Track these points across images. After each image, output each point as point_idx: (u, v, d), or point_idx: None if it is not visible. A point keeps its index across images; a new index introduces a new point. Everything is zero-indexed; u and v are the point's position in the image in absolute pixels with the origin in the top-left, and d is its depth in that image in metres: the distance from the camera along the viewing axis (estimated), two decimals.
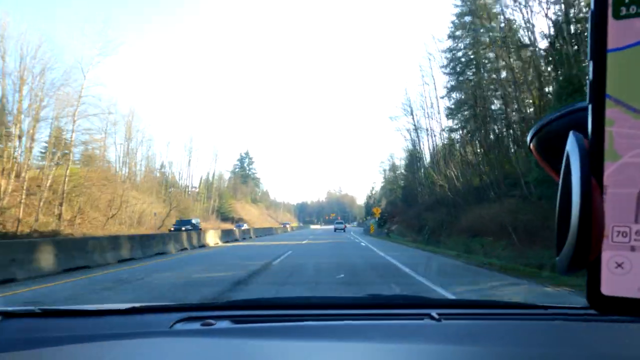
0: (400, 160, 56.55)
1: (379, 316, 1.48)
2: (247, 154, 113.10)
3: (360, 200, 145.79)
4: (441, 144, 42.71)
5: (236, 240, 25.65)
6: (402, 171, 54.75)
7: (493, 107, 34.72)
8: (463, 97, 39.66)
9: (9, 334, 1.28)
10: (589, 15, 0.33)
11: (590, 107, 0.33)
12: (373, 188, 65.64)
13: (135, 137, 57.73)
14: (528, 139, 0.45)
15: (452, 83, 40.62)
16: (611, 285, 0.31)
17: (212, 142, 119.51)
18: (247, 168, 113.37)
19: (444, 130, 43.44)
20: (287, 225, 70.92)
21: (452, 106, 41.78)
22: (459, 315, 1.48)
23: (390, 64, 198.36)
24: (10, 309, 1.39)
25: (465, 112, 39.70)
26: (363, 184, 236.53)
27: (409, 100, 44.70)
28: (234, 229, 32.60)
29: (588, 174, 0.32)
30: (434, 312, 1.42)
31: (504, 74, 31.16)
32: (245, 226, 49.69)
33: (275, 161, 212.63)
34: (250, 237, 30.04)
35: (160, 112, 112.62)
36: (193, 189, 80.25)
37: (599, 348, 1.15)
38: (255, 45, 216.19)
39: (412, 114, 44.44)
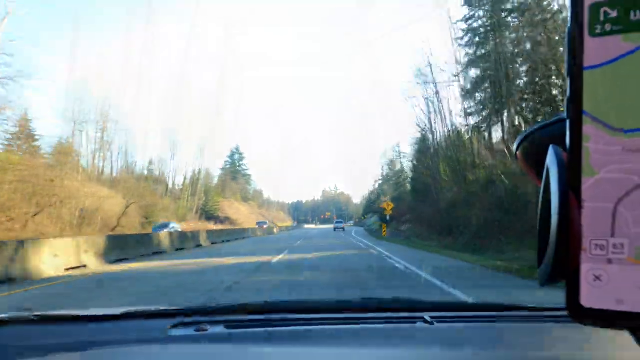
0: (409, 146, 45.22)
1: (372, 320, 1.45)
2: (237, 149, 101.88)
3: (357, 199, 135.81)
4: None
5: (151, 255, 13.62)
6: (412, 161, 43.46)
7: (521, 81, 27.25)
8: (481, 73, 30.93)
9: (3, 341, 1.25)
10: (566, 32, 0.33)
11: (568, 122, 0.33)
12: (376, 182, 54.82)
13: (114, 127, 48.73)
14: (514, 148, 0.46)
15: (470, 57, 31.69)
16: (590, 297, 0.32)
17: (199, 136, 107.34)
18: (238, 164, 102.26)
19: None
20: (265, 225, 53.75)
21: (469, 86, 32.04)
22: (452, 318, 1.45)
23: (390, 54, 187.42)
24: (3, 315, 1.34)
25: (484, 92, 31.05)
26: (359, 182, 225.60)
27: (428, 58, 33.22)
28: (151, 234, 16.71)
29: (566, 189, 0.33)
30: (427, 315, 1.39)
31: (528, 46, 26.08)
32: (175, 227, 30.94)
33: (269, 159, 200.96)
34: (200, 245, 18.39)
35: (141, 103, 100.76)
36: (179, 187, 70.26)
37: (591, 351, 1.12)
38: (244, 31, 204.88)
39: (433, 81, 33.16)
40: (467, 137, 32.23)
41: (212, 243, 20.06)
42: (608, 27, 0.31)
